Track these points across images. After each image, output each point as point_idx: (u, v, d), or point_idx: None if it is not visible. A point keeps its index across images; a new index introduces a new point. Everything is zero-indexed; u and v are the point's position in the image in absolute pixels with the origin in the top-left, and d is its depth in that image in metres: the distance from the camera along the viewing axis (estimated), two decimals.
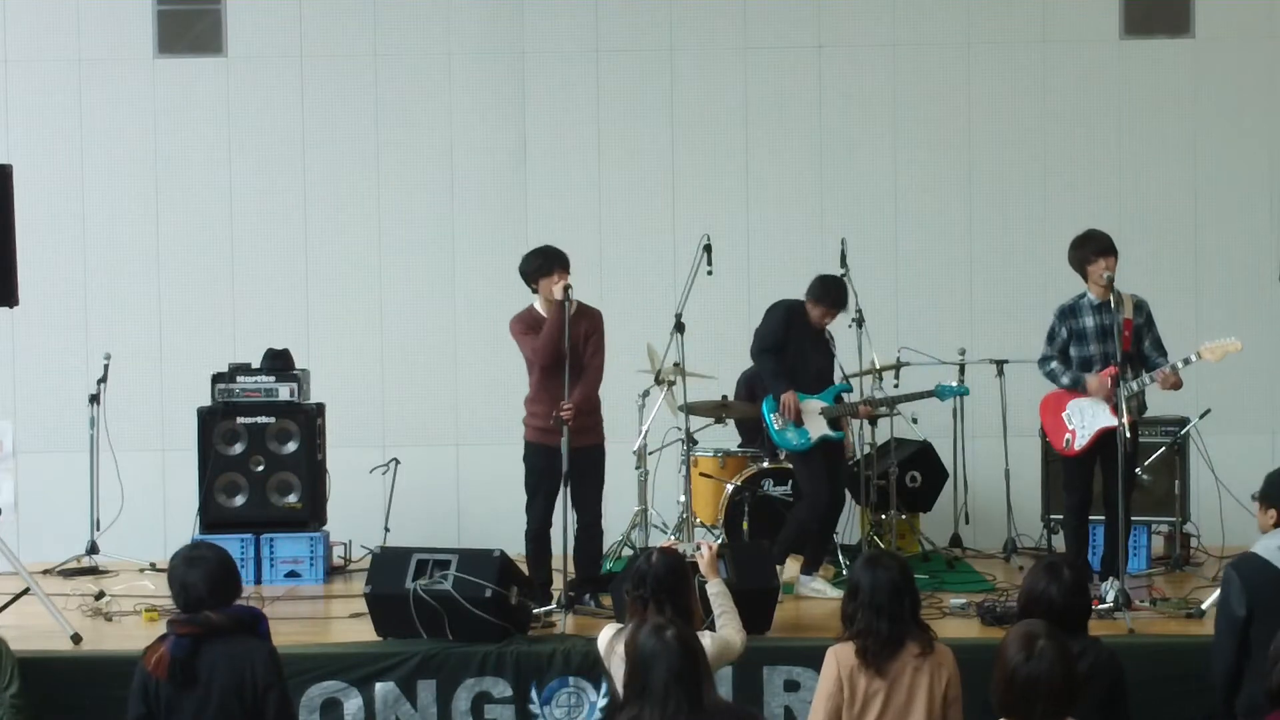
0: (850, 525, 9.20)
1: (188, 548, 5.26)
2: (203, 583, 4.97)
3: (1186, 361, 7.31)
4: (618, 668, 5.23)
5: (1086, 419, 7.50)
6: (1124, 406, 7.10)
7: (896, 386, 8.89)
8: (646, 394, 8.91)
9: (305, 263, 10.25)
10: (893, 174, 10.21)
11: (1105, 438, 7.41)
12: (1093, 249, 7.44)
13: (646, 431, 8.61)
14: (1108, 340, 7.40)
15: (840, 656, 5.02)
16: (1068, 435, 7.57)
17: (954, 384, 8.45)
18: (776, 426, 7.97)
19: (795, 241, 10.04)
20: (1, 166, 7.31)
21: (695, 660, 4.33)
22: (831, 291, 8.00)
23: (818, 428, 7.96)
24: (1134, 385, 7.31)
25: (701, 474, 8.89)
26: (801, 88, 10.23)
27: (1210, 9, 10.14)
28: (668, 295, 8.90)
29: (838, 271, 8.47)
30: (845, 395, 8.17)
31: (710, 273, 8.16)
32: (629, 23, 10.23)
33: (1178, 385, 7.40)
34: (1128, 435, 7.15)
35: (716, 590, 5.58)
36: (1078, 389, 7.49)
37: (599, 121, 10.24)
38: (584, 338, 7.46)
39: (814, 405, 7.97)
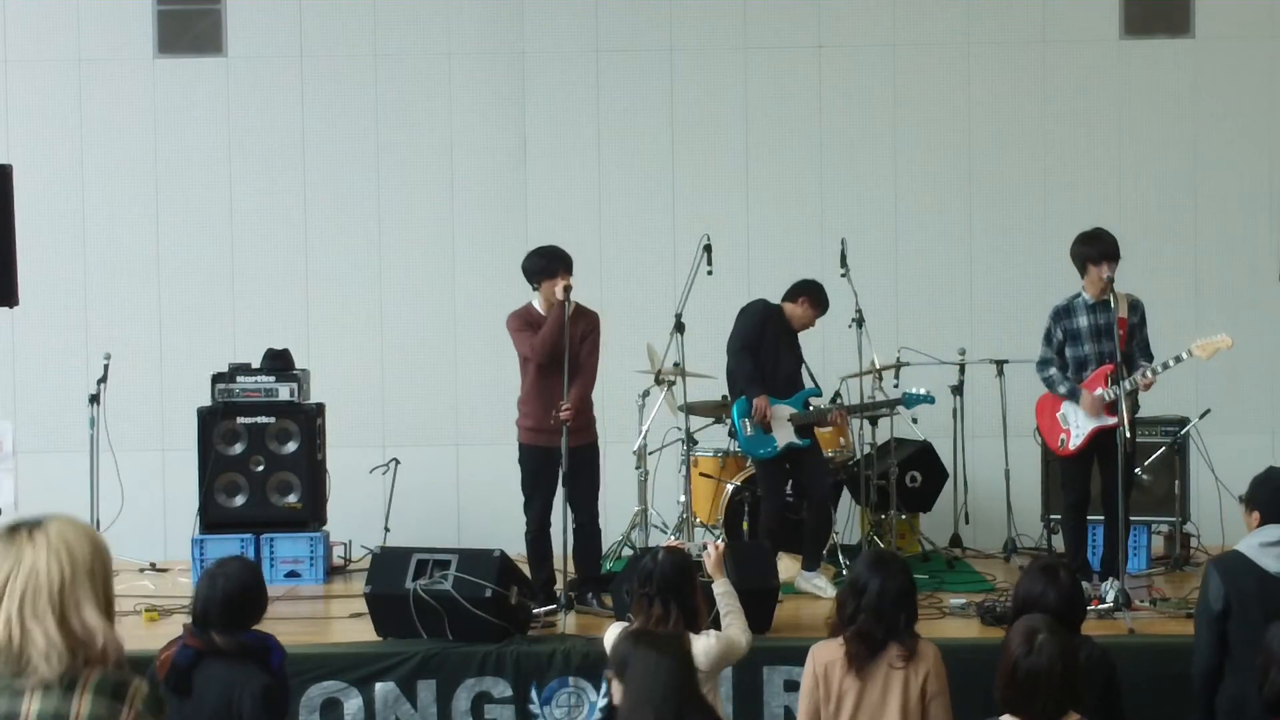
0: (850, 525, 9.21)
1: (218, 562, 5.09)
2: (204, 602, 4.89)
3: (1178, 359, 7.29)
4: None
5: (1081, 419, 7.50)
6: (1123, 406, 7.10)
7: (896, 386, 8.90)
8: (646, 394, 8.91)
9: (305, 263, 10.25)
10: (893, 174, 10.21)
11: (1101, 437, 7.42)
12: (1097, 251, 7.41)
13: (646, 431, 8.62)
14: (1103, 340, 7.41)
15: (817, 655, 5.02)
16: (1062, 435, 7.59)
17: (920, 391, 8.38)
18: (746, 433, 7.95)
19: (795, 241, 10.04)
20: (1, 166, 7.31)
21: (673, 684, 4.23)
22: (824, 296, 8.02)
23: (784, 435, 7.92)
24: (1127, 385, 7.31)
25: (701, 474, 8.89)
26: (801, 88, 10.23)
27: (1210, 9, 10.14)
28: (668, 295, 8.90)
29: (838, 271, 8.48)
30: (813, 400, 8.12)
31: (710, 273, 8.16)
32: (629, 22, 10.23)
33: (1149, 386, 7.40)
34: (1128, 435, 7.15)
35: (723, 590, 5.58)
36: (1073, 400, 7.50)
37: (599, 121, 10.24)
38: (581, 339, 7.47)
39: (783, 411, 7.94)
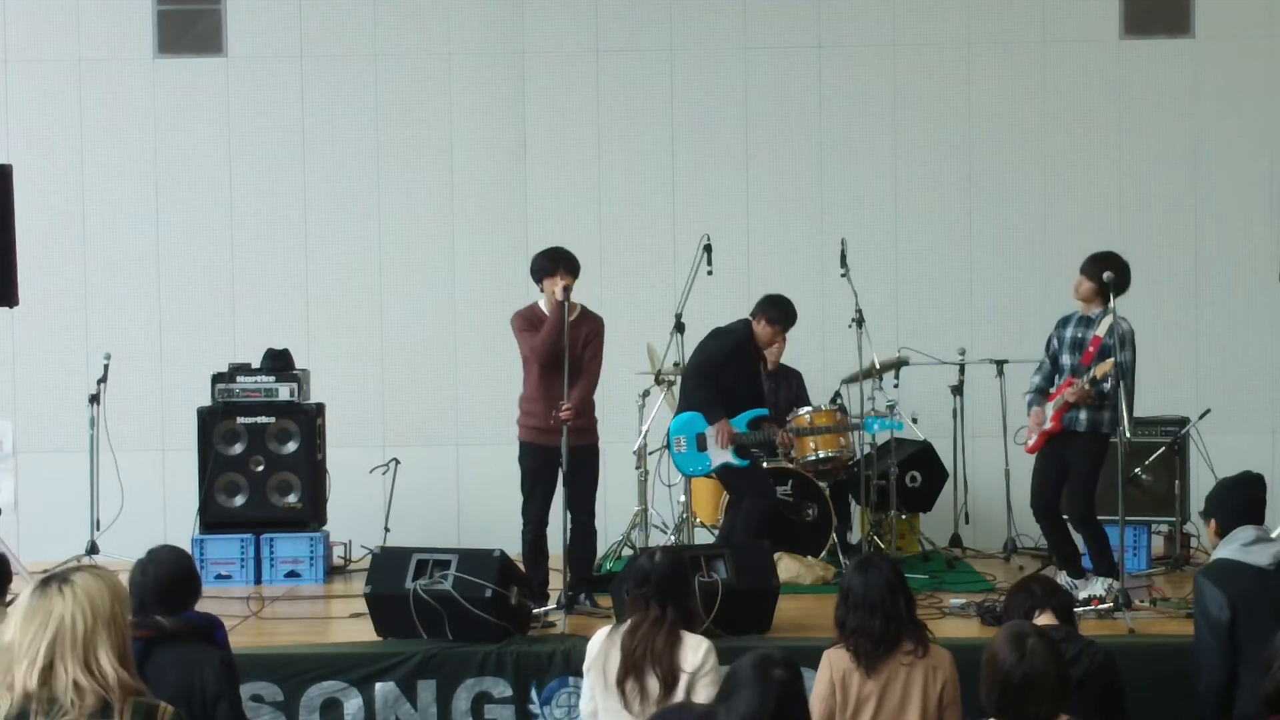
0: (850, 525, 9.20)
1: (147, 552, 5.05)
2: (149, 587, 4.82)
3: (1093, 380, 7.36)
4: (611, 669, 5.17)
5: (1040, 422, 7.67)
6: (1125, 410, 7.13)
7: (896, 387, 8.91)
8: (646, 394, 8.91)
9: (305, 263, 10.25)
10: (893, 174, 10.21)
11: (1061, 448, 7.55)
12: (1083, 265, 7.58)
13: (646, 431, 8.61)
14: (1074, 353, 7.60)
15: (833, 660, 5.04)
16: (1031, 436, 7.77)
17: (887, 418, 8.25)
18: (679, 449, 7.96)
19: (795, 241, 10.05)
20: (1, 166, 7.32)
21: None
22: (780, 310, 7.98)
23: (720, 455, 7.93)
24: (1068, 394, 7.42)
25: None
26: (801, 88, 10.23)
27: (1210, 9, 10.13)
28: (668, 295, 8.90)
29: (838, 271, 8.48)
30: (762, 421, 8.04)
31: (710, 273, 8.16)
32: (629, 22, 10.23)
33: (1087, 398, 7.40)
34: (1127, 435, 7.22)
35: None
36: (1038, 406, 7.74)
37: (599, 121, 10.24)
38: (584, 342, 7.47)
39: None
